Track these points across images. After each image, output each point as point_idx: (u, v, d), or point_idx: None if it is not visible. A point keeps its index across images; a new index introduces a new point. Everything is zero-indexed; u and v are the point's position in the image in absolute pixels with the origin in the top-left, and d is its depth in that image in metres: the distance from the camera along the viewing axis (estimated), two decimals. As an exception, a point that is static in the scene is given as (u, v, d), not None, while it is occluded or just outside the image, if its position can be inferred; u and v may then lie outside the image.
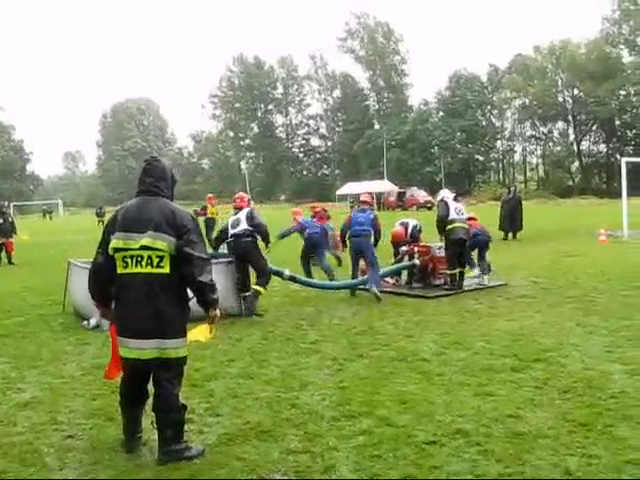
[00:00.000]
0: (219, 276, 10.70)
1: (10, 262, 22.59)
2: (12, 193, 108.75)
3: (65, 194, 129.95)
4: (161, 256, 4.93)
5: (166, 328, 4.95)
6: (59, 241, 34.16)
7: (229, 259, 11.35)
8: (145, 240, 4.92)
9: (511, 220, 24.72)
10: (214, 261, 10.70)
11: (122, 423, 5.35)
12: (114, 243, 5.00)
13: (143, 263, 4.92)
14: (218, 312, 5.18)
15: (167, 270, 4.93)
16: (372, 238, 12.70)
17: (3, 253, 22.79)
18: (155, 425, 5.13)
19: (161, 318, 4.91)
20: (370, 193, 14.68)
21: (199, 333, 5.47)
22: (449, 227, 12.83)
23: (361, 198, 14.13)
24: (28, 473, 4.89)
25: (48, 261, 22.77)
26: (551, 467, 4.64)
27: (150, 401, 5.20)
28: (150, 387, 5.18)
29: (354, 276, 12.87)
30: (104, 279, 5.14)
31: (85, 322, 10.50)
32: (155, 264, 4.93)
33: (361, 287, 12.85)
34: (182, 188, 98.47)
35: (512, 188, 27.57)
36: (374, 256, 12.61)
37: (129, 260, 4.95)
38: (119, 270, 4.99)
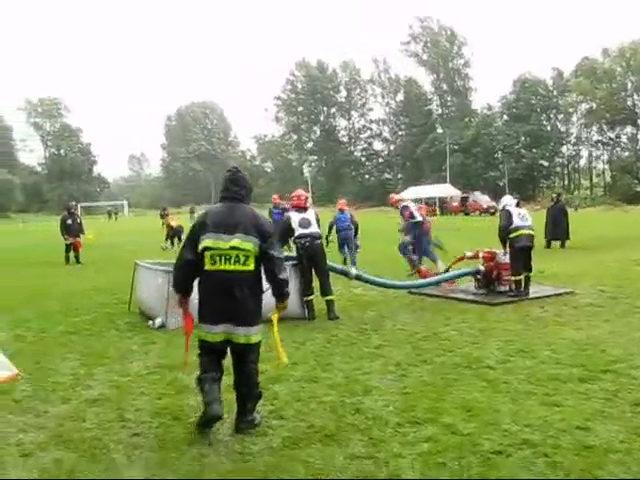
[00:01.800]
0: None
1: (78, 261, 23.10)
2: (79, 194, 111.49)
3: (130, 195, 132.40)
4: (247, 255, 5.71)
5: (251, 317, 5.76)
6: (124, 242, 34.78)
7: (294, 262, 11.39)
8: (235, 241, 5.69)
9: (554, 228, 24.17)
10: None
11: (202, 399, 5.78)
12: (205, 243, 5.72)
13: (231, 261, 5.68)
14: (287, 302, 6.04)
15: (252, 268, 5.73)
16: (352, 231, 19.29)
17: (72, 253, 23.33)
18: (237, 398, 5.87)
19: (246, 309, 5.70)
20: (344, 202, 20.35)
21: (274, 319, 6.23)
22: (513, 235, 12.65)
23: (338, 206, 20.08)
24: (97, 469, 4.98)
25: (114, 261, 23.22)
26: (623, 483, 4.51)
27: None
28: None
29: (345, 259, 18.88)
30: (190, 273, 5.85)
31: (150, 322, 10.67)
32: (242, 262, 5.70)
33: (415, 290, 12.89)
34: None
35: (554, 195, 27.07)
36: (356, 244, 19.42)
37: (218, 258, 5.69)
38: (207, 267, 5.72)
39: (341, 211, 19.64)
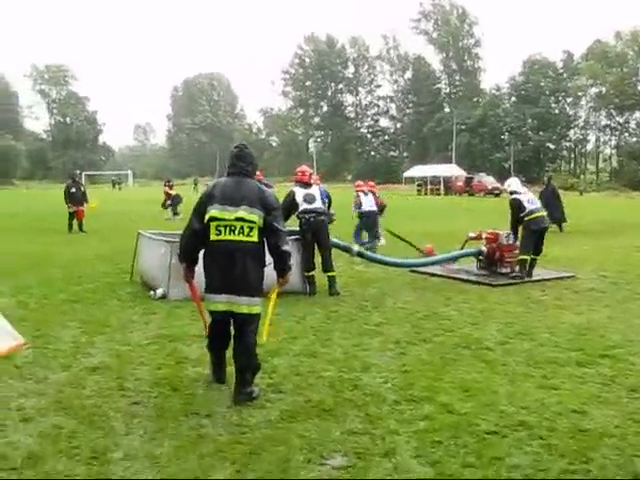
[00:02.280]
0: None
1: (81, 229, 23.13)
2: (84, 163, 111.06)
3: (135, 165, 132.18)
4: (251, 227, 5.90)
5: (253, 288, 5.94)
6: (128, 211, 34.84)
7: (297, 236, 11.41)
8: (240, 213, 5.89)
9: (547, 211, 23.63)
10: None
11: (210, 366, 6.41)
12: (212, 213, 5.93)
13: (236, 232, 5.89)
14: (290, 276, 6.26)
15: (255, 239, 5.93)
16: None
17: (75, 221, 23.37)
18: (236, 369, 5.99)
19: (249, 279, 5.89)
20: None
21: (272, 293, 6.54)
22: (529, 218, 12.69)
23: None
24: (96, 435, 5.02)
25: (117, 230, 23.24)
26: (616, 468, 4.54)
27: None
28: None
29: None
30: (197, 243, 6.09)
31: (152, 292, 10.69)
32: (246, 233, 5.90)
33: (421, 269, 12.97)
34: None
35: (545, 179, 26.41)
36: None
37: (222, 228, 5.90)
38: (212, 237, 5.93)
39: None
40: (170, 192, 31.10)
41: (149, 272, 11.60)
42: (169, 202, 30.82)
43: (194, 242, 6.13)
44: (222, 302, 5.91)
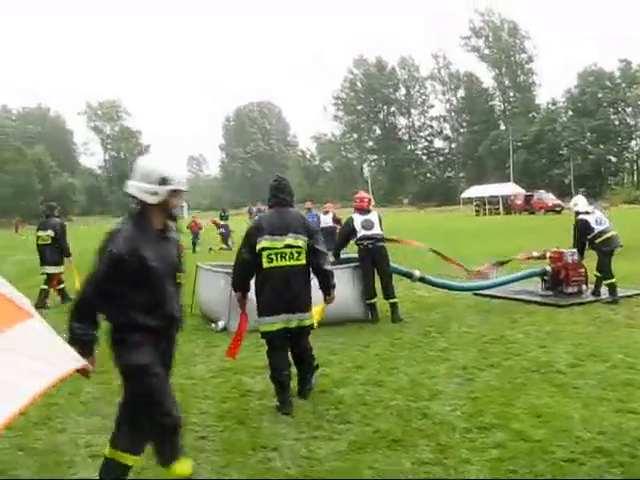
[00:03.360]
0: (346, 283, 10.82)
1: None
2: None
3: (189, 197, 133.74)
4: (299, 251, 6.64)
5: (305, 305, 6.70)
6: (185, 244, 35.19)
7: (355, 264, 11.42)
8: (288, 240, 6.62)
9: None
10: (339, 266, 10.83)
11: (276, 391, 6.70)
12: (263, 244, 6.62)
13: (287, 257, 6.61)
14: (334, 295, 6.89)
15: (304, 262, 6.68)
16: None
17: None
18: (298, 370, 6.92)
19: (302, 298, 6.66)
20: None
21: (316, 313, 7.17)
22: (599, 240, 12.35)
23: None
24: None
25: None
26: None
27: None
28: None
29: None
30: (249, 272, 6.79)
31: (213, 325, 10.79)
32: (295, 258, 6.63)
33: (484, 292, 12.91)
34: (304, 191, 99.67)
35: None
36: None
37: (274, 256, 6.60)
38: (265, 264, 6.61)
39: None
40: (218, 222, 32.41)
41: (209, 305, 11.71)
42: (222, 231, 32.43)
43: (246, 271, 6.82)
44: (279, 322, 6.60)
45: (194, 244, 31.32)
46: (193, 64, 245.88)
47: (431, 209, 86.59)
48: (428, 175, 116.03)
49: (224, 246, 30.41)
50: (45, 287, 14.77)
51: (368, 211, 11.74)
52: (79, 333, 4.24)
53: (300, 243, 6.63)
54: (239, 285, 6.95)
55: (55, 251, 14.95)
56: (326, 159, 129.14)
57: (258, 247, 6.64)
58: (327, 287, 6.81)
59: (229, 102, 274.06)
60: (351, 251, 12.60)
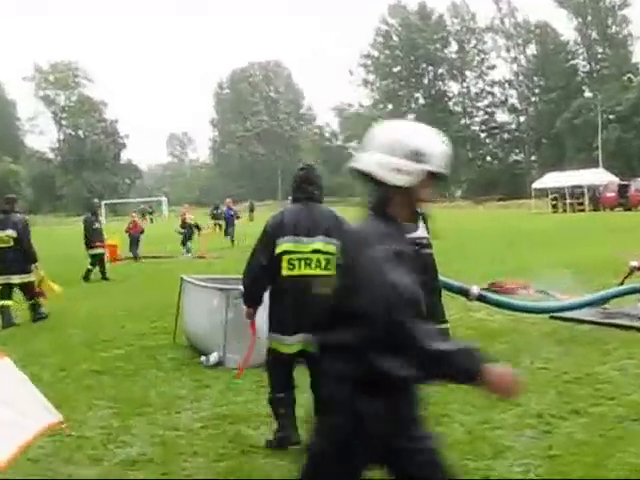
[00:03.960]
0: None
1: (104, 277, 23.62)
2: (103, 188, 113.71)
3: (171, 189, 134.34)
4: (329, 259, 6.80)
5: None
6: (164, 250, 35.45)
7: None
8: (316, 244, 6.85)
9: None
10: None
11: (275, 422, 7.13)
12: (284, 246, 6.86)
13: (312, 265, 6.84)
14: None
15: (333, 272, 6.30)
16: None
17: (96, 267, 23.91)
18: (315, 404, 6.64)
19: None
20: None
21: None
22: None
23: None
24: None
25: (151, 276, 23.71)
26: None
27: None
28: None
29: None
30: (264, 281, 7.06)
31: (204, 358, 10.79)
32: (323, 266, 6.83)
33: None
34: (325, 181, 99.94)
35: None
36: None
37: (297, 262, 6.85)
38: (284, 272, 6.87)
39: None
40: (186, 220, 34.91)
41: (198, 331, 11.72)
42: (182, 230, 34.77)
43: (262, 280, 7.09)
44: (295, 343, 6.84)
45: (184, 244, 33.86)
46: (176, 11, 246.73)
47: (492, 204, 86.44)
48: (488, 159, 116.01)
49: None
50: (8, 303, 15.12)
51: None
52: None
53: (332, 249, 6.73)
54: (252, 296, 7.28)
55: (19, 255, 15.19)
56: (352, 138, 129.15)
57: (278, 250, 6.86)
58: None
59: (223, 62, 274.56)
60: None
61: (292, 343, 6.83)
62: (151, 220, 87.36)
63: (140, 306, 17.14)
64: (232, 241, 38.93)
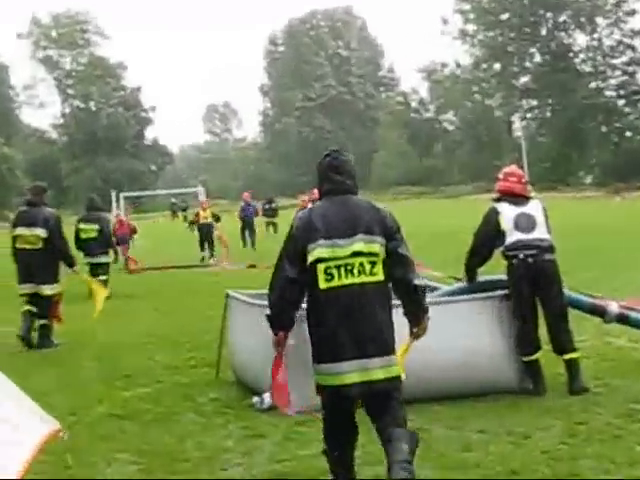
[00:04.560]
0: (485, 325, 10.86)
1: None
2: (122, 177, 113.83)
3: (209, 177, 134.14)
4: (374, 261, 6.94)
5: (388, 343, 6.99)
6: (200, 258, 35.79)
7: (502, 292, 11.35)
8: (357, 245, 6.90)
9: None
10: (471, 297, 10.90)
11: (330, 469, 7.30)
12: (318, 253, 6.90)
13: (355, 271, 6.88)
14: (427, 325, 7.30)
15: (381, 276, 6.97)
16: None
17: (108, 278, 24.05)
18: (388, 459, 6.72)
19: (382, 332, 6.95)
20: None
21: (401, 352, 7.49)
22: None
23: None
24: None
25: (184, 290, 23.79)
26: None
27: None
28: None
29: None
30: (297, 297, 7.18)
31: (257, 399, 10.79)
32: (368, 271, 6.91)
33: None
34: (412, 164, 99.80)
35: None
36: None
37: (335, 271, 6.89)
38: (321, 284, 6.91)
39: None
40: (200, 218, 37.75)
41: (250, 363, 11.70)
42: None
43: (292, 298, 7.16)
44: (351, 372, 6.84)
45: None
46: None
47: (633, 193, 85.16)
48: (628, 134, 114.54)
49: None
50: (33, 310, 15.64)
51: (526, 199, 11.64)
52: None
53: (376, 248, 6.92)
54: (280, 319, 7.33)
55: (49, 260, 15.45)
56: (447, 108, 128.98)
57: (310, 258, 6.94)
58: (417, 313, 7.19)
59: (276, 10, 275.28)
60: (494, 269, 12.53)
61: (345, 371, 6.83)
62: (185, 218, 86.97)
63: (172, 331, 17.28)
64: (253, 246, 40.80)
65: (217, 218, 38.18)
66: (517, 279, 11.28)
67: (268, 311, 7.41)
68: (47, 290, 15.47)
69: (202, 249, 36.28)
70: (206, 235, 36.53)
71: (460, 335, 10.49)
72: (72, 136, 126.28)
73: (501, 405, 10.16)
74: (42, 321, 15.85)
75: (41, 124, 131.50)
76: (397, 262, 6.99)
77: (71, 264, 15.74)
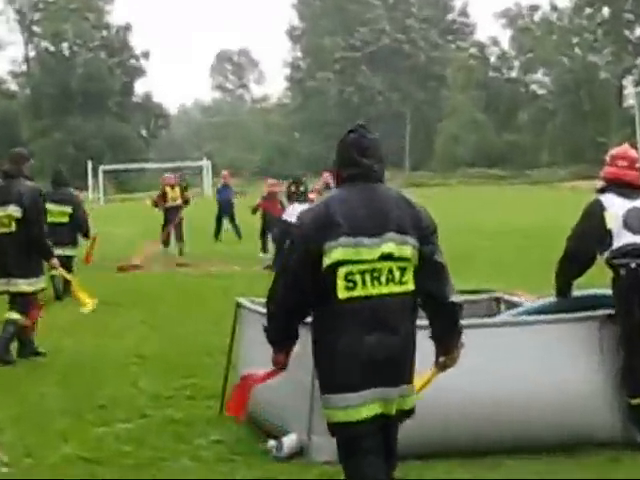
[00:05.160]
0: (581, 357, 10.84)
1: (57, 296, 23.71)
2: (104, 144, 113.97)
3: (217, 147, 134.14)
4: (404, 267, 7.09)
5: (410, 370, 7.25)
6: (204, 254, 35.98)
7: (605, 311, 11.30)
8: (387, 246, 7.01)
9: None
10: (562, 317, 10.93)
11: None
12: (338, 253, 6.97)
13: (382, 279, 7.01)
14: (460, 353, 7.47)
15: (411, 286, 7.14)
16: None
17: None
18: None
19: (408, 355, 7.21)
20: None
21: (421, 385, 7.75)
22: None
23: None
24: None
25: (181, 299, 23.83)
26: None
27: None
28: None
29: None
30: (303, 307, 7.34)
31: (273, 443, 10.79)
32: (397, 279, 7.05)
33: None
34: (489, 142, 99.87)
35: None
36: None
37: (359, 277, 6.99)
38: (341, 293, 6.99)
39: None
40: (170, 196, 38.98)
41: (266, 395, 11.68)
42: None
43: (299, 307, 7.34)
44: (371, 403, 7.00)
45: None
46: None
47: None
48: None
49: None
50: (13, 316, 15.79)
51: (626, 185, 11.59)
52: None
53: (408, 251, 7.04)
54: (283, 333, 7.57)
55: (24, 248, 15.69)
56: (536, 66, 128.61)
57: (328, 260, 6.98)
58: (449, 338, 7.36)
59: None
60: (596, 281, 12.49)
61: (362, 403, 6.93)
62: (186, 201, 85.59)
63: (163, 349, 17.31)
64: (238, 234, 42.85)
65: (186, 201, 39.94)
66: (626, 295, 11.20)
67: (265, 322, 7.59)
68: (23, 285, 15.54)
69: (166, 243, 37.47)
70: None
71: (546, 367, 10.36)
72: (37, 88, 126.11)
73: (598, 461, 10.15)
74: (13, 316, 15.95)
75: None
76: (431, 271, 7.11)
77: (47, 256, 15.78)
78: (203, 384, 13.97)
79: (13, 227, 15.31)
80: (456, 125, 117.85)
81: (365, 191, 7.17)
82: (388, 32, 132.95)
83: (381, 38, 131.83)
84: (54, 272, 17.70)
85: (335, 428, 7.09)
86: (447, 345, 7.25)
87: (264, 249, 36.47)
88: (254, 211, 38.56)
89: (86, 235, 24.62)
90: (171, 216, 37.77)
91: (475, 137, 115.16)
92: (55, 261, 16.27)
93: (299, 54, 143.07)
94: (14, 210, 15.27)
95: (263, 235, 37.04)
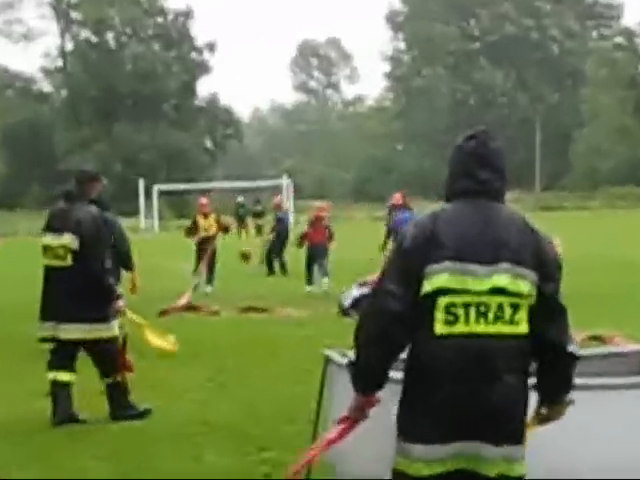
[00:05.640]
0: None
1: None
2: (158, 157, 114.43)
3: (299, 160, 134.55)
4: (517, 304, 7.28)
5: (519, 428, 7.42)
6: (283, 299, 36.02)
7: None
8: (500, 278, 7.22)
9: None
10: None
11: None
12: (442, 280, 7.26)
13: (490, 316, 7.22)
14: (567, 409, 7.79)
15: (525, 328, 7.33)
16: None
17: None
18: None
19: (514, 412, 7.36)
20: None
21: None
22: None
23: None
24: None
25: (255, 351, 24.00)
26: None
27: None
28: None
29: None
30: (402, 340, 7.50)
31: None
32: (508, 318, 7.25)
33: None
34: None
35: None
36: None
37: (462, 310, 7.24)
38: (438, 328, 7.27)
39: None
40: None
41: (374, 469, 11.65)
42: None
43: (397, 340, 7.47)
44: (450, 459, 7.27)
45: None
46: None
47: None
48: None
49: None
50: (64, 377, 16.11)
51: None
52: None
53: (524, 287, 7.24)
54: (375, 374, 7.65)
55: (82, 285, 15.61)
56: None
57: (428, 286, 7.26)
58: (558, 390, 7.68)
59: None
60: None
61: (440, 458, 7.15)
62: (257, 230, 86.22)
63: (234, 415, 17.41)
64: (283, 269, 44.69)
65: (225, 229, 40.06)
66: None
67: (353, 358, 7.70)
68: (74, 332, 15.66)
69: (195, 272, 38.16)
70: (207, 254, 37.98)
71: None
72: (75, 89, 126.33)
73: None
74: (108, 380, 16.20)
75: (26, 68, 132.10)
76: (550, 314, 7.30)
77: (109, 297, 15.76)
78: (283, 459, 13.74)
79: (68, 260, 15.36)
80: (599, 133, 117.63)
81: (480, 210, 7.32)
82: (512, 17, 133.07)
83: (504, 25, 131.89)
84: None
85: (397, 477, 7.37)
86: (554, 397, 7.55)
87: (309, 281, 38.02)
88: (300, 244, 39.59)
89: (129, 268, 24.59)
90: (204, 246, 38.48)
91: (622, 148, 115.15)
92: (121, 304, 16.22)
93: (401, 45, 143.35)
94: (69, 239, 15.31)
95: (308, 268, 38.49)
